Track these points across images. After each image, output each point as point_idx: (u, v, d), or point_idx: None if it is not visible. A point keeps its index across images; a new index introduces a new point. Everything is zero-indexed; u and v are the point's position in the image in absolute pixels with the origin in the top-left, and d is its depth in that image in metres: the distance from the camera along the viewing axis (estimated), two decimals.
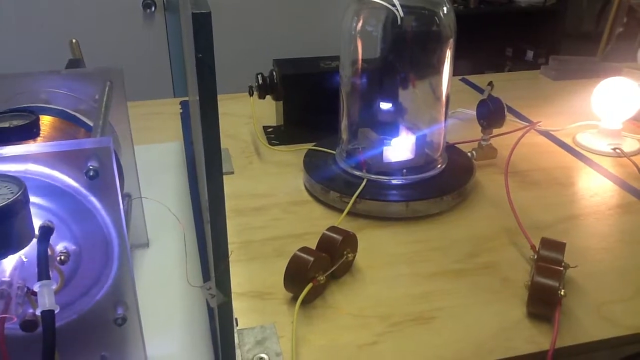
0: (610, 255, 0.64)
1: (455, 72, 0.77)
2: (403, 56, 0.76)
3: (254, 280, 0.60)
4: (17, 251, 0.35)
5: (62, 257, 0.40)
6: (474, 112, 0.84)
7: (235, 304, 0.41)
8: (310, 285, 0.55)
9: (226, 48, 2.16)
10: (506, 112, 0.80)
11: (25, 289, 0.39)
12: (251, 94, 0.91)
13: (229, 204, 0.36)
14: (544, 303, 0.53)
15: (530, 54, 2.63)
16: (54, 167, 0.39)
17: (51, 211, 0.39)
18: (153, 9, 2.26)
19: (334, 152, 0.81)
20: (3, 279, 0.37)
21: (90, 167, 0.38)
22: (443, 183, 0.74)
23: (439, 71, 0.75)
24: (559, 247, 0.58)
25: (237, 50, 2.25)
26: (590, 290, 0.58)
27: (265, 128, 0.97)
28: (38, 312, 0.35)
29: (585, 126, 0.95)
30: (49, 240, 0.38)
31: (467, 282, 0.60)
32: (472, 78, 1.24)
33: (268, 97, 0.92)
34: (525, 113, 1.03)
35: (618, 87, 0.88)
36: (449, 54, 0.74)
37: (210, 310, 0.54)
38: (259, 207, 0.75)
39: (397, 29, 0.71)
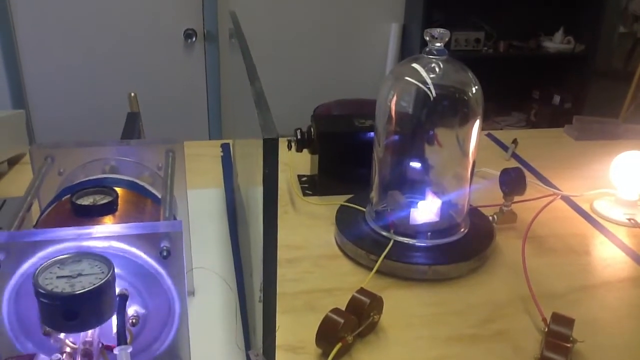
0: (618, 329, 0.69)
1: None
2: (433, 128, 0.82)
3: (286, 333, 0.66)
4: (105, 322, 0.42)
5: (134, 321, 0.47)
6: (497, 173, 0.90)
7: None
8: (339, 345, 0.61)
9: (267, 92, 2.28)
10: (527, 183, 0.85)
11: (100, 345, 0.46)
12: (289, 148, 0.98)
13: None
14: None
15: (557, 99, 2.67)
16: (132, 245, 0.46)
17: (126, 280, 0.46)
18: (194, 39, 2.37)
19: (364, 209, 0.87)
20: (87, 339, 0.44)
21: (164, 248, 0.45)
22: (464, 247, 0.80)
23: (466, 142, 0.81)
24: (569, 323, 0.63)
25: (278, 93, 2.34)
26: None
27: (300, 177, 1.04)
28: None
29: (603, 193, 1.00)
30: (125, 307, 0.45)
31: (482, 348, 0.65)
32: (498, 133, 1.30)
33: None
34: (546, 175, 1.08)
35: (635, 161, 0.93)
36: (476, 127, 0.80)
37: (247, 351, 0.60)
38: (292, 258, 0.81)
39: (429, 104, 0.78)
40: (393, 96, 0.80)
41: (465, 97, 0.79)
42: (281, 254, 0.83)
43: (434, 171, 0.85)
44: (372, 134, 0.88)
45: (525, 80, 2.73)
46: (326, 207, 0.93)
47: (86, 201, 0.50)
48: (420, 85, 0.76)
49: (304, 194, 0.98)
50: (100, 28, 2.25)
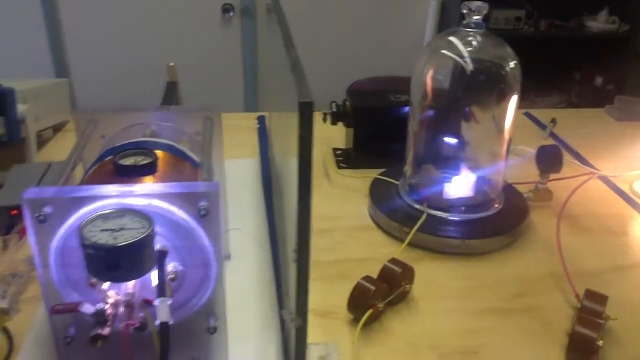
0: None
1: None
2: (469, 103, 0.81)
3: (318, 299, 0.67)
4: (146, 274, 0.44)
5: (172, 276, 0.48)
6: (534, 151, 0.89)
7: None
8: (370, 311, 0.62)
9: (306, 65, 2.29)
10: (563, 160, 0.84)
11: (141, 298, 0.48)
12: (324, 121, 0.98)
13: None
14: (582, 351, 0.58)
15: (599, 80, 2.60)
16: (171, 203, 0.47)
17: (166, 238, 0.48)
18: (231, 13, 2.37)
19: (397, 182, 0.87)
20: (128, 292, 0.46)
21: (202, 207, 0.47)
22: (498, 223, 0.80)
23: (502, 118, 0.80)
24: (602, 299, 0.63)
25: (313, 70, 2.33)
26: (629, 343, 0.62)
27: (334, 150, 1.05)
28: (157, 322, 0.44)
29: None
30: (165, 262, 0.46)
31: (512, 322, 0.65)
32: (536, 112, 1.28)
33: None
34: (585, 154, 1.06)
35: None
36: (513, 103, 0.79)
37: (282, 324, 0.62)
38: (326, 229, 0.82)
39: (465, 78, 0.77)
40: (429, 69, 0.79)
41: (502, 72, 0.78)
42: (315, 224, 0.84)
43: (469, 146, 0.84)
44: (407, 108, 0.88)
45: (566, 61, 2.66)
46: (360, 180, 0.94)
47: (128, 162, 0.52)
48: (457, 58, 0.76)
49: (339, 167, 0.99)
50: (141, 0, 2.28)
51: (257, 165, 0.99)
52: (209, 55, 2.40)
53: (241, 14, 2.39)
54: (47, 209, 0.45)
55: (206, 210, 0.47)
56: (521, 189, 0.89)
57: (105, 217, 0.44)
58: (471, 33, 0.76)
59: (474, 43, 0.76)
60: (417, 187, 0.83)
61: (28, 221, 0.45)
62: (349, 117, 0.98)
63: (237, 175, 0.94)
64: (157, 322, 0.44)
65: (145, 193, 0.46)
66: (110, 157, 0.54)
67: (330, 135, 1.05)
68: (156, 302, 0.45)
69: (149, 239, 0.43)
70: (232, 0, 2.36)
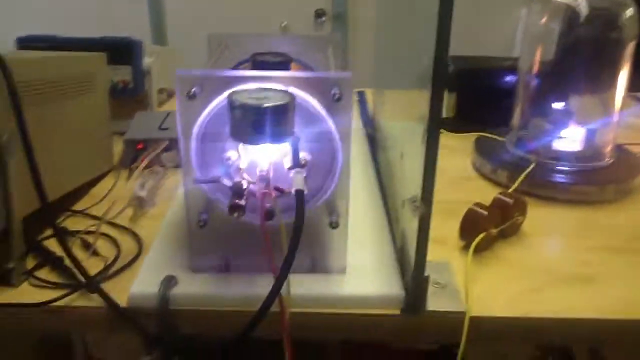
0: None
1: None
2: (582, 55, 0.81)
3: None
4: (286, 140, 0.47)
5: (303, 162, 0.51)
6: None
7: None
8: (483, 234, 0.62)
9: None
10: None
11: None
12: None
13: None
14: None
15: None
16: (306, 91, 0.50)
17: (298, 126, 0.51)
18: (323, 18, 2.45)
19: (503, 139, 0.87)
20: (262, 173, 0.49)
21: (335, 93, 0.49)
22: (608, 174, 0.78)
23: (616, 71, 0.79)
24: None
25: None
26: None
27: None
28: (293, 190, 0.47)
29: None
30: (298, 144, 0.49)
31: (628, 258, 0.63)
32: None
33: None
34: None
35: None
36: (629, 56, 0.78)
37: (392, 234, 0.63)
38: None
39: (579, 27, 0.77)
40: (540, 20, 0.80)
41: (618, 19, 0.77)
42: None
43: (581, 99, 0.83)
44: (511, 76, 0.88)
45: None
46: (461, 141, 0.94)
47: (265, 58, 0.55)
48: (571, 5, 0.76)
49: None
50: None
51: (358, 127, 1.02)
52: None
53: (332, 19, 2.46)
54: (196, 88, 0.49)
55: (340, 96, 0.49)
56: (634, 150, 0.87)
57: (249, 91, 0.47)
58: None
59: None
60: (525, 140, 0.83)
61: (178, 98, 0.49)
62: (453, 81, 0.99)
63: None
64: (294, 190, 0.47)
65: (283, 77, 0.49)
66: (245, 63, 0.58)
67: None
68: (292, 174, 0.47)
69: (291, 105, 0.45)
70: (324, 5, 2.44)
